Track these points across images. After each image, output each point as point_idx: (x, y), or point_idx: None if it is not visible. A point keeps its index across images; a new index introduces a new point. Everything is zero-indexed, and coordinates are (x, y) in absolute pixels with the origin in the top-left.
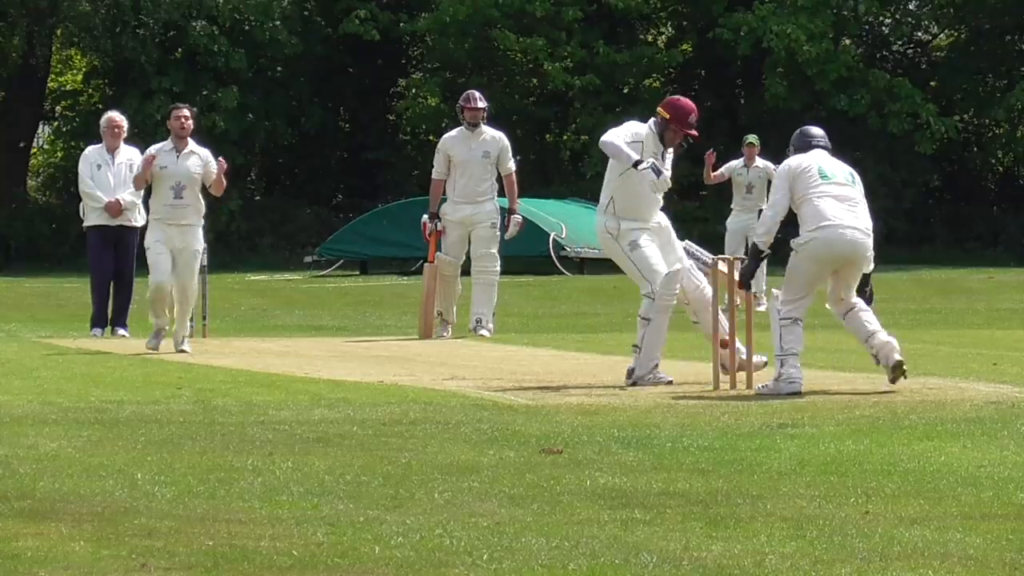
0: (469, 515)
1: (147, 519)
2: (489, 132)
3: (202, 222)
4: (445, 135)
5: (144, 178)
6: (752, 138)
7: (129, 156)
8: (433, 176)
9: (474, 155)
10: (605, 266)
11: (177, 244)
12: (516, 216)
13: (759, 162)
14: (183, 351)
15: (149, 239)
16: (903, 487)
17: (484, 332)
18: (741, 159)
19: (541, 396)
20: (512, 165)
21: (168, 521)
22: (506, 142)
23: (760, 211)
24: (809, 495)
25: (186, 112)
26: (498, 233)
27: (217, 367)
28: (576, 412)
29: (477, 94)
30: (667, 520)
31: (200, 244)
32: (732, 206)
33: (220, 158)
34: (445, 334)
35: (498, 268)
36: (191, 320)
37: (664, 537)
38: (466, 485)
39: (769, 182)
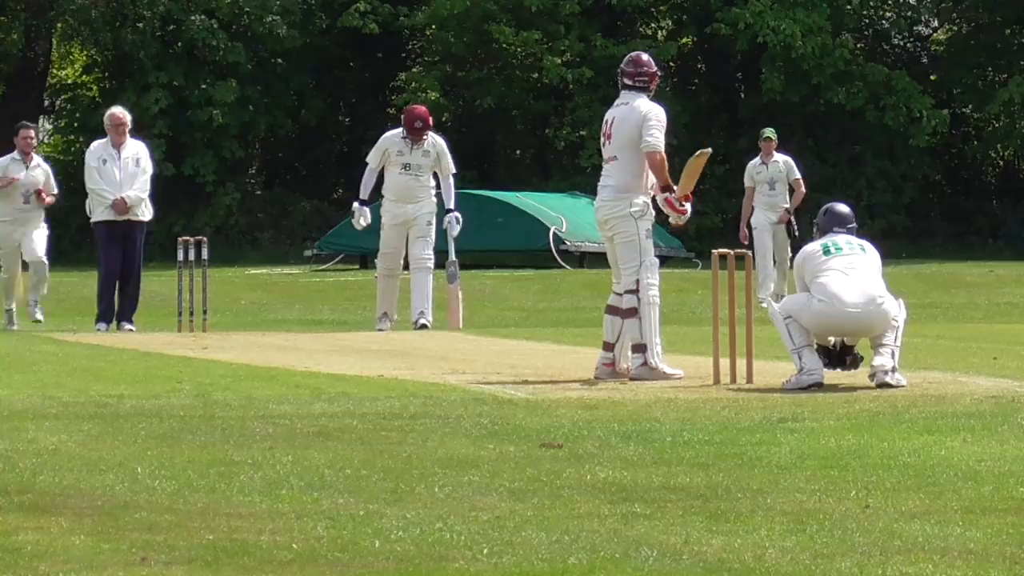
0: (469, 509)
1: (147, 513)
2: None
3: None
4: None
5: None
6: (769, 132)
7: (135, 150)
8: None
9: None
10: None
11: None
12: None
13: (777, 156)
14: (38, 320)
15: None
16: (903, 481)
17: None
18: (757, 157)
19: (541, 390)
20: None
21: (168, 515)
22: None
23: (784, 209)
24: (809, 489)
25: (31, 133)
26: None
27: (217, 361)
28: (576, 406)
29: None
30: (667, 514)
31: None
32: (755, 204)
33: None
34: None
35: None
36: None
37: (664, 531)
38: (466, 479)
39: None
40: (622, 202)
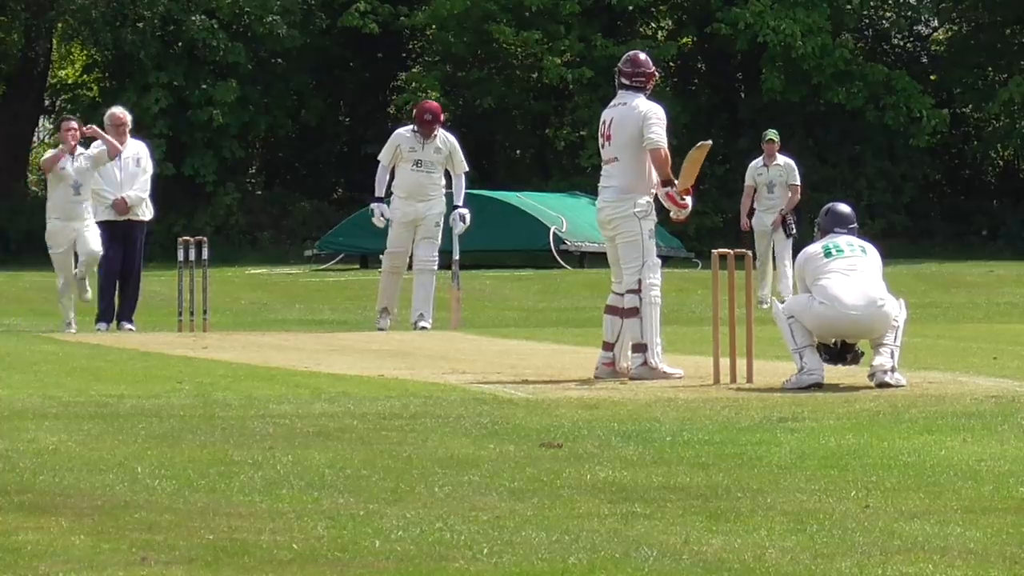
0: (469, 509)
1: (147, 513)
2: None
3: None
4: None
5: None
6: (772, 134)
7: (136, 150)
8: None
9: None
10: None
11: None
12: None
13: (779, 159)
14: (86, 299)
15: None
16: (903, 481)
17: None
18: (760, 158)
19: (541, 390)
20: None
21: (168, 515)
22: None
23: (782, 214)
24: (809, 489)
25: (74, 124)
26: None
27: (217, 361)
28: (576, 406)
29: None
30: (667, 514)
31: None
32: (754, 205)
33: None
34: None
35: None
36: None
37: (664, 531)
38: (466, 479)
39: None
40: (626, 202)
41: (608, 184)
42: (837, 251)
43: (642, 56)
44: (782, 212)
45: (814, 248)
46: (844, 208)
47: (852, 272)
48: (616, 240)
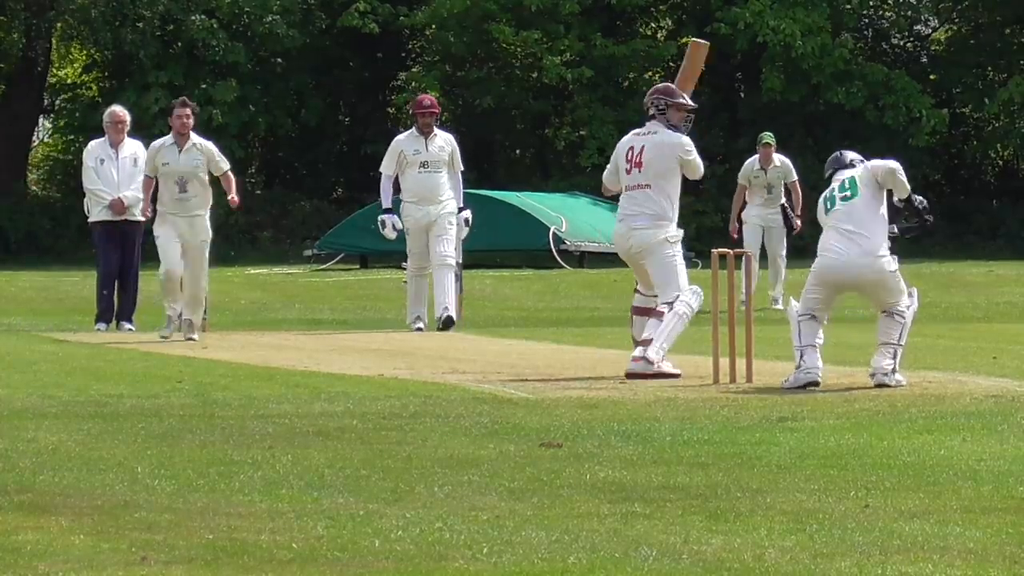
0: (469, 508)
1: (147, 512)
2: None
3: (207, 212)
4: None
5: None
6: (768, 137)
7: (133, 150)
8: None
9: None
10: (605, 260)
11: (185, 235)
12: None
13: (776, 160)
14: (191, 339)
15: (158, 230)
16: (903, 481)
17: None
18: (755, 159)
19: (541, 389)
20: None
21: (168, 515)
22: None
23: (782, 205)
24: (809, 489)
25: (188, 111)
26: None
27: (217, 361)
28: (576, 406)
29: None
30: (667, 514)
31: (208, 234)
32: (747, 199)
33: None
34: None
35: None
36: (204, 313)
37: (664, 531)
38: (466, 478)
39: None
40: (660, 230)
41: (640, 211)
42: (831, 204)
43: (674, 87)
44: (783, 206)
45: (821, 198)
46: (846, 152)
47: (848, 228)
48: (645, 264)
